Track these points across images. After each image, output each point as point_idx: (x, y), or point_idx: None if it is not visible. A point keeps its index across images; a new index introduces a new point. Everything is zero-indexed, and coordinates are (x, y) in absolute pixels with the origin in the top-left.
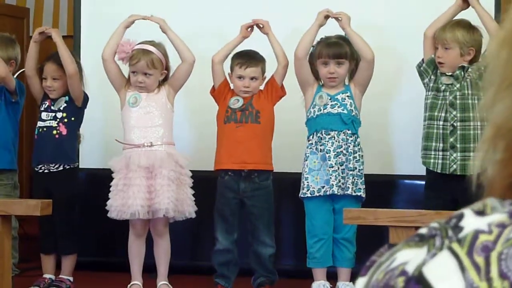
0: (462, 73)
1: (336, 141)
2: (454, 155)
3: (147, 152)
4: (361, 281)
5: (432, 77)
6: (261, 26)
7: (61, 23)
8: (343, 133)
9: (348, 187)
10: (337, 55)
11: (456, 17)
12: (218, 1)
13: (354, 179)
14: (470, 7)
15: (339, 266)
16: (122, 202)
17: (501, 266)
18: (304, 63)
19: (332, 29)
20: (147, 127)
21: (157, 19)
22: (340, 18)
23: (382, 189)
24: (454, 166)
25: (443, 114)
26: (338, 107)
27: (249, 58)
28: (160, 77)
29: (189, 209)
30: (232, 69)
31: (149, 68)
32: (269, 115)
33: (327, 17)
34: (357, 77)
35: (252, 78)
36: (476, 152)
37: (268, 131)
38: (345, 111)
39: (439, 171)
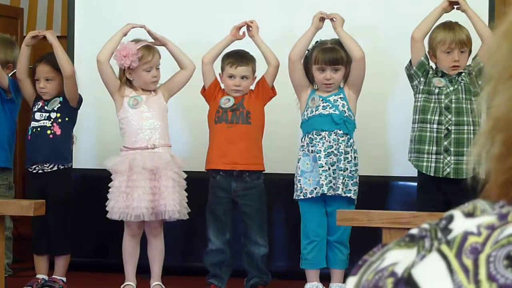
0: (456, 76)
1: (327, 141)
2: (448, 158)
3: (151, 155)
4: (351, 280)
5: (422, 79)
6: (250, 28)
7: (55, 24)
8: (334, 133)
9: (339, 187)
10: (334, 61)
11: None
12: (212, 3)
13: (345, 180)
14: (452, 10)
15: (332, 268)
16: (126, 204)
17: (490, 269)
18: (298, 67)
19: (326, 31)
20: (150, 129)
21: (154, 33)
22: (334, 19)
23: (377, 191)
24: (448, 170)
25: (436, 117)
26: (330, 108)
27: (240, 57)
28: None
29: (184, 210)
30: (223, 68)
31: (159, 60)
32: (260, 116)
33: (322, 19)
34: (350, 79)
35: (243, 77)
36: (472, 145)
37: (259, 132)
38: (337, 112)
39: (432, 174)
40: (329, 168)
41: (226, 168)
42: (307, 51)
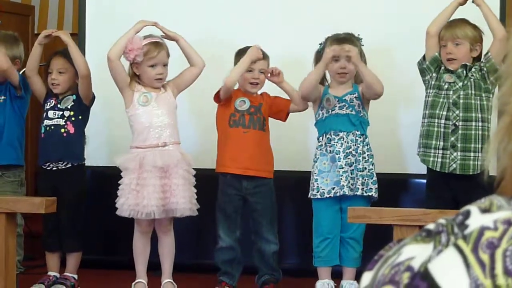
0: (465, 71)
1: (345, 142)
2: (454, 154)
3: (161, 152)
4: (367, 275)
5: (434, 74)
6: (271, 73)
7: (66, 21)
8: (352, 134)
9: (358, 188)
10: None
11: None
12: (224, 3)
13: (364, 180)
14: (466, 4)
15: (345, 265)
16: (136, 201)
17: (506, 263)
18: (311, 97)
19: (337, 29)
20: (160, 126)
21: (166, 30)
22: (350, 55)
23: (390, 188)
24: (454, 165)
25: (444, 113)
26: (346, 108)
27: None
28: None
29: (194, 207)
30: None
31: (167, 58)
32: (268, 124)
33: (334, 56)
34: (364, 92)
35: (261, 71)
36: (488, 142)
37: (269, 140)
38: (353, 112)
39: (438, 169)
40: (348, 169)
41: (238, 173)
42: (319, 45)
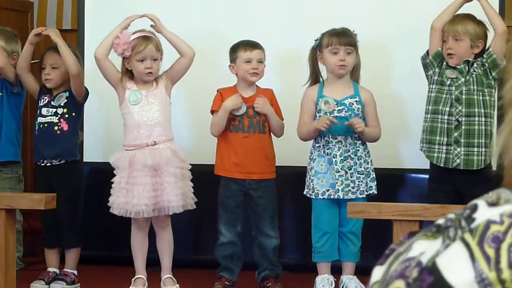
0: (467, 67)
1: (343, 145)
2: (458, 149)
3: (152, 151)
4: (378, 270)
5: (437, 70)
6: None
7: (65, 17)
8: (351, 137)
9: (363, 191)
10: (347, 43)
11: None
12: None
13: (365, 180)
14: (474, 1)
15: (344, 260)
16: (126, 200)
17: (511, 257)
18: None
19: (334, 26)
20: (150, 125)
21: (152, 16)
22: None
23: (387, 183)
24: (458, 161)
25: (447, 109)
26: (346, 111)
27: (253, 42)
28: (160, 63)
29: (190, 201)
30: (235, 58)
31: (157, 52)
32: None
33: (327, 124)
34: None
35: (259, 61)
36: (497, 135)
37: (271, 140)
38: (352, 115)
39: (442, 165)
40: (346, 172)
41: (243, 178)
42: (315, 41)
